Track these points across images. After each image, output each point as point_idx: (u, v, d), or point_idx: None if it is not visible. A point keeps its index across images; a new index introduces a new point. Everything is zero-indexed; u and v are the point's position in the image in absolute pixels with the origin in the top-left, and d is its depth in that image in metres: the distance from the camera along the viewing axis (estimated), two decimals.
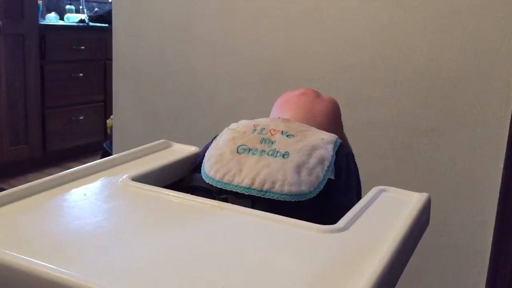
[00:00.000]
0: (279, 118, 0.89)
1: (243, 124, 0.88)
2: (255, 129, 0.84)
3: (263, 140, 0.81)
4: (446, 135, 1.29)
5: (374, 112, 1.37)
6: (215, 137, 0.90)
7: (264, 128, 0.84)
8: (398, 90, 1.33)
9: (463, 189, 1.29)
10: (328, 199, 0.77)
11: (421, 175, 1.33)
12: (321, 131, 0.86)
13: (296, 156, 0.78)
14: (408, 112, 1.33)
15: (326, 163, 0.79)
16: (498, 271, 1.29)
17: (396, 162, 1.35)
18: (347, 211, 0.69)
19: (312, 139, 0.81)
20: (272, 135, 0.82)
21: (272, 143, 0.80)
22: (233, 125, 0.90)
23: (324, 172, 0.78)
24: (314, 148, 0.80)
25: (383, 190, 0.81)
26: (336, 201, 0.77)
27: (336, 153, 0.83)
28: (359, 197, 0.84)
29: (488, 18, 1.22)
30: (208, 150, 0.86)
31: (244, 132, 0.84)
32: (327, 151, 0.81)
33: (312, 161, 0.78)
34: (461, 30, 1.25)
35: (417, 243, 0.73)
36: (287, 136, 0.82)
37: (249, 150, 0.80)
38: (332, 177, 0.80)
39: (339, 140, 0.87)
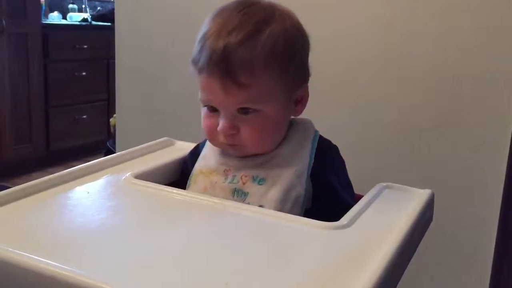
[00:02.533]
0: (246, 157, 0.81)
1: (212, 162, 0.83)
2: (227, 177, 0.79)
3: (235, 193, 0.78)
4: (449, 133, 1.29)
5: (376, 109, 1.36)
6: (198, 145, 0.90)
7: (235, 176, 0.79)
8: (400, 88, 1.33)
9: (466, 186, 1.29)
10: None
11: (424, 172, 1.32)
12: (295, 146, 0.81)
13: (271, 208, 0.74)
14: (411, 109, 1.32)
15: (300, 200, 0.77)
16: (502, 268, 1.29)
17: (399, 159, 1.35)
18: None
19: (285, 176, 0.77)
20: (243, 183, 0.78)
21: (245, 195, 0.77)
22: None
23: (300, 210, 0.77)
24: (288, 191, 0.76)
25: (386, 187, 0.81)
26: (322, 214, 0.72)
27: (316, 163, 0.80)
28: (350, 192, 0.83)
29: (491, 16, 1.21)
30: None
31: (216, 182, 0.80)
32: (301, 186, 0.77)
33: (288, 205, 0.75)
34: (464, 28, 1.24)
35: (421, 239, 0.73)
36: (258, 182, 0.77)
37: None
38: (309, 206, 0.78)
39: (316, 139, 0.82)
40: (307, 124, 0.85)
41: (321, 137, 0.84)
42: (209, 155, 0.84)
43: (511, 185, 1.24)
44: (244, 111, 0.75)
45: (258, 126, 0.76)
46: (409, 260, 0.66)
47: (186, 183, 0.85)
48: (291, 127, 0.83)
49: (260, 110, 0.75)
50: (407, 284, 0.74)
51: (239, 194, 0.78)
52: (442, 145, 1.30)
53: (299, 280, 0.52)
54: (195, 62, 0.77)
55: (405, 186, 0.81)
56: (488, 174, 1.26)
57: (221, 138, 0.77)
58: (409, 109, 1.33)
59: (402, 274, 0.63)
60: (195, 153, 0.89)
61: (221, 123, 0.76)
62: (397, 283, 0.61)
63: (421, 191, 0.79)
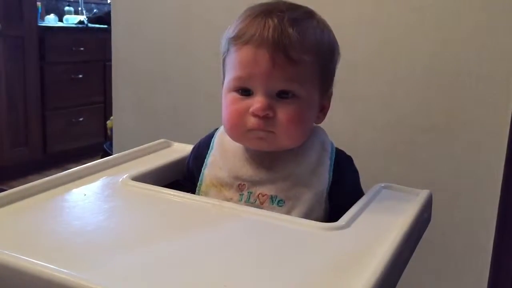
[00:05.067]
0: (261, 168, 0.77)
1: (224, 174, 0.78)
2: (242, 194, 0.75)
3: None
4: (447, 133, 1.29)
5: (374, 110, 1.36)
6: (199, 147, 0.86)
7: (252, 193, 0.75)
8: (398, 88, 1.33)
9: (464, 186, 1.29)
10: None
11: (422, 172, 1.32)
12: (315, 163, 0.77)
13: None
14: (409, 110, 1.32)
15: (320, 221, 0.73)
16: (501, 268, 1.29)
17: (397, 159, 1.35)
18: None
19: (305, 199, 0.74)
20: (261, 203, 0.74)
21: None
22: (221, 133, 0.82)
23: None
24: (307, 215, 0.73)
25: (385, 187, 0.81)
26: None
27: (334, 178, 0.77)
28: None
29: (490, 16, 1.22)
30: None
31: (231, 199, 0.75)
32: (320, 207, 0.75)
33: None
34: (462, 28, 1.24)
35: (419, 240, 0.73)
36: (278, 204, 0.74)
37: None
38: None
39: (333, 153, 0.80)
40: (323, 136, 0.81)
41: (337, 149, 0.81)
42: (219, 162, 0.79)
43: (509, 185, 1.24)
44: (283, 94, 0.72)
45: (295, 112, 0.72)
46: (407, 261, 0.66)
47: (184, 184, 0.85)
48: (311, 134, 0.79)
49: (299, 97, 0.72)
50: (406, 285, 0.74)
51: None
52: (440, 146, 1.30)
53: (298, 281, 0.52)
54: (237, 37, 0.72)
55: (403, 187, 0.81)
56: (486, 174, 1.26)
57: (251, 123, 0.72)
58: (407, 110, 1.33)
59: (400, 274, 0.62)
60: (199, 157, 0.83)
61: (257, 103, 0.71)
62: (396, 283, 0.61)
63: (420, 191, 0.79)
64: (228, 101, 0.75)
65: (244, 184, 0.76)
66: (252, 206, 0.73)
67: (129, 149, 0.92)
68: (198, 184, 0.80)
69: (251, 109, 0.72)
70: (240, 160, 0.77)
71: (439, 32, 1.27)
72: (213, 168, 0.79)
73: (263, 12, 0.72)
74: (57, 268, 0.50)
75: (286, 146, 0.75)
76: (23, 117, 3.10)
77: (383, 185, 0.81)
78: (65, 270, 0.50)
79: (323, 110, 0.80)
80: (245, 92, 0.73)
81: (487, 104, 1.24)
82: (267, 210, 0.72)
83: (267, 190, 0.75)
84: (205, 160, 0.81)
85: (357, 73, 1.37)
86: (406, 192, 0.79)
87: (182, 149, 0.95)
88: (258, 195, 0.75)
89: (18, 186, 0.71)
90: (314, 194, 0.75)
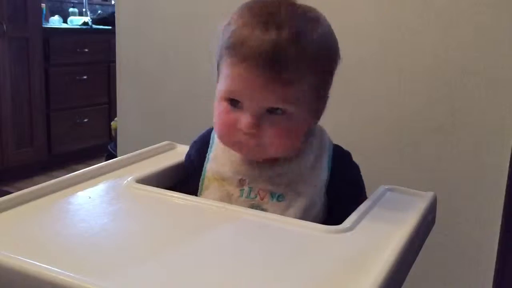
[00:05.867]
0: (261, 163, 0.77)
1: (225, 169, 0.78)
2: (243, 189, 0.76)
3: (253, 208, 0.74)
4: (452, 134, 1.28)
5: (378, 111, 1.36)
6: (203, 141, 0.85)
7: (252, 188, 0.76)
8: (402, 89, 1.33)
9: (469, 187, 1.29)
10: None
11: (426, 174, 1.32)
12: (313, 160, 0.77)
13: None
14: (413, 110, 1.32)
15: (320, 216, 0.76)
16: (505, 269, 1.28)
17: (402, 161, 1.35)
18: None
19: (305, 194, 0.75)
20: (262, 199, 0.75)
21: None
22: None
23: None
24: (308, 210, 0.74)
25: (389, 189, 0.80)
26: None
27: (332, 175, 0.78)
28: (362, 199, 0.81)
29: (494, 15, 1.21)
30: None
31: (232, 195, 0.76)
32: (320, 202, 0.76)
33: None
34: (467, 28, 1.24)
35: (424, 242, 0.72)
36: (277, 199, 0.75)
37: None
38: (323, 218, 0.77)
39: (330, 150, 0.80)
40: (322, 134, 0.82)
41: (334, 145, 0.82)
42: (221, 158, 0.80)
43: None
44: (272, 110, 0.71)
45: (284, 128, 0.72)
46: (412, 263, 0.66)
47: (187, 182, 0.84)
48: (308, 136, 0.79)
49: (290, 113, 0.71)
50: (410, 287, 0.74)
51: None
52: (445, 147, 1.30)
53: (303, 284, 0.51)
54: (232, 49, 0.70)
55: (408, 189, 0.81)
56: (491, 175, 1.26)
57: (239, 136, 0.72)
58: (412, 110, 1.32)
59: (405, 277, 0.62)
60: (201, 150, 0.84)
61: (245, 119, 0.71)
62: (401, 286, 0.61)
63: (424, 193, 0.79)
64: (219, 109, 0.75)
65: (244, 180, 0.77)
66: (252, 202, 0.75)
67: (133, 150, 0.92)
68: (200, 178, 0.80)
69: (238, 125, 0.72)
70: (241, 156, 0.78)
71: (444, 33, 1.26)
72: (215, 163, 0.80)
73: (262, 22, 0.69)
74: (61, 271, 0.50)
75: (276, 156, 0.76)
76: (28, 118, 3.12)
77: (387, 187, 0.81)
78: (70, 273, 0.50)
79: (317, 114, 0.79)
80: (235, 103, 0.72)
81: (492, 105, 1.24)
82: (267, 205, 0.74)
83: (267, 185, 0.76)
84: (207, 155, 0.82)
85: (361, 73, 1.37)
86: (411, 194, 0.79)
87: (186, 151, 0.95)
88: (258, 190, 0.76)
89: (23, 187, 0.71)
90: (313, 189, 0.76)
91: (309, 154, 0.78)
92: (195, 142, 0.88)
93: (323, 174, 0.78)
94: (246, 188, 0.76)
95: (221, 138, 0.77)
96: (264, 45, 0.68)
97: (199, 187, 0.80)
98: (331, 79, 0.79)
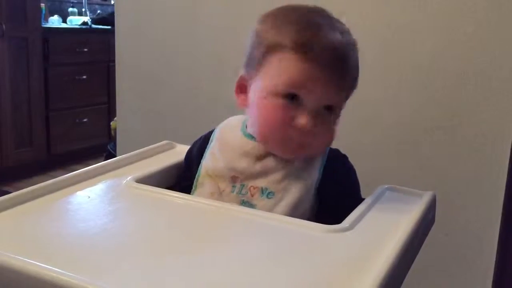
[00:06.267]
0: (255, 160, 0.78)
1: (220, 165, 0.79)
2: (235, 185, 0.77)
3: (243, 204, 0.76)
4: (451, 133, 1.29)
5: (378, 110, 1.36)
6: (209, 135, 0.86)
7: (244, 185, 0.77)
8: (402, 89, 1.33)
9: (468, 187, 1.29)
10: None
11: (426, 173, 1.32)
12: (303, 158, 0.78)
13: None
14: (413, 110, 1.32)
15: (307, 214, 0.76)
16: (505, 268, 1.28)
17: (401, 160, 1.35)
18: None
19: (294, 191, 0.76)
20: (252, 195, 0.76)
21: (253, 207, 0.76)
22: (221, 128, 0.84)
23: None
24: (296, 207, 0.75)
25: (388, 189, 0.81)
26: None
27: (324, 176, 0.79)
28: (358, 198, 0.81)
29: (493, 15, 1.21)
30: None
31: (223, 190, 0.78)
32: (309, 201, 0.77)
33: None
34: (465, 28, 1.24)
35: (423, 241, 0.73)
36: (267, 196, 0.76)
37: None
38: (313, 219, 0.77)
39: (326, 152, 0.81)
40: None
41: (330, 148, 0.82)
42: (217, 155, 0.81)
43: None
44: (328, 108, 0.74)
45: (332, 128, 0.76)
46: (411, 262, 0.66)
47: (184, 178, 0.85)
48: None
49: (336, 113, 0.76)
50: (410, 286, 0.74)
51: (246, 206, 0.76)
52: (445, 146, 1.30)
53: (303, 283, 0.52)
54: (301, 46, 0.71)
55: (407, 188, 0.81)
56: (491, 175, 1.26)
57: (291, 133, 0.73)
58: (411, 110, 1.32)
59: (404, 276, 0.62)
60: (202, 148, 0.85)
61: (306, 119, 0.72)
62: (400, 285, 0.61)
63: (423, 193, 0.79)
64: (270, 106, 0.74)
65: (237, 177, 0.78)
66: (242, 197, 0.76)
67: (133, 149, 0.92)
68: (196, 176, 0.81)
69: (297, 123, 0.72)
70: (237, 153, 0.79)
71: (443, 32, 1.26)
72: (210, 159, 0.81)
73: (327, 24, 0.74)
74: (61, 271, 0.50)
75: (313, 155, 0.78)
76: (27, 118, 3.11)
77: (387, 186, 0.81)
78: (70, 273, 0.50)
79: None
80: (291, 98, 0.72)
81: (491, 104, 1.24)
82: (256, 201, 0.76)
83: (259, 182, 0.77)
84: (204, 153, 0.83)
85: (360, 73, 1.37)
86: (410, 194, 0.79)
87: (185, 151, 0.95)
88: (250, 187, 0.77)
89: (22, 186, 0.71)
90: (303, 186, 0.76)
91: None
92: (197, 140, 0.89)
93: (314, 173, 0.78)
94: (238, 185, 0.78)
95: (270, 133, 0.75)
96: (335, 44, 0.72)
97: (194, 184, 0.81)
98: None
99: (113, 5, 3.39)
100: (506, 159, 1.24)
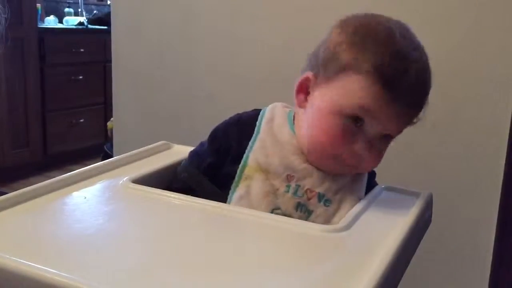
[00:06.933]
0: (312, 166, 0.75)
1: (275, 160, 0.76)
2: (289, 185, 0.74)
3: (299, 207, 0.73)
4: (447, 133, 1.29)
5: None
6: (249, 121, 0.80)
7: (299, 186, 0.74)
8: None
9: (464, 187, 1.29)
10: None
11: (422, 172, 1.32)
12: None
13: None
14: None
15: None
16: (502, 268, 1.28)
17: (397, 160, 1.35)
18: None
19: (347, 204, 0.74)
20: (308, 199, 0.73)
21: (310, 213, 0.73)
22: (267, 120, 0.79)
23: None
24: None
25: (385, 189, 0.81)
26: None
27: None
28: None
29: (489, 15, 1.22)
30: (239, 194, 0.75)
31: (277, 189, 0.74)
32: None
33: None
34: (461, 26, 1.24)
35: (420, 241, 0.73)
36: (325, 203, 0.74)
37: (284, 216, 0.71)
38: None
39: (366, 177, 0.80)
40: None
41: None
42: (269, 149, 0.76)
43: (510, 185, 1.24)
44: (387, 137, 0.73)
45: (383, 153, 0.74)
46: (408, 262, 0.66)
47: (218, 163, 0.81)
48: None
49: (389, 142, 0.75)
50: (407, 286, 0.74)
51: (303, 210, 0.73)
52: (441, 146, 1.30)
53: (300, 283, 0.51)
54: (388, 82, 0.67)
55: (404, 188, 0.81)
56: (486, 174, 1.26)
57: (350, 157, 0.72)
58: None
59: (401, 276, 0.62)
60: (244, 134, 0.79)
61: (365, 145, 0.71)
62: (397, 285, 0.61)
63: (420, 192, 0.79)
64: (333, 122, 0.71)
65: (293, 176, 0.74)
66: (299, 200, 0.73)
67: (129, 150, 0.92)
68: (240, 165, 0.76)
69: (355, 147, 0.71)
70: (293, 151, 0.76)
71: (438, 32, 1.27)
72: (260, 153, 0.76)
73: (410, 55, 0.70)
74: (57, 272, 0.50)
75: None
76: (24, 118, 3.11)
77: (383, 186, 0.81)
78: (65, 274, 0.50)
79: None
80: (355, 120, 0.70)
81: (487, 104, 1.24)
82: (314, 206, 0.73)
83: (316, 186, 0.74)
84: (250, 143, 0.78)
85: None
86: (407, 194, 0.79)
87: (182, 151, 0.95)
88: (307, 190, 0.74)
89: (18, 187, 0.70)
90: (356, 198, 0.75)
91: None
92: (236, 123, 0.82)
93: (363, 186, 0.78)
94: (293, 185, 0.74)
95: (322, 148, 0.73)
96: (419, 84, 0.70)
97: (237, 175, 0.76)
98: None
99: (109, 5, 3.38)
100: (502, 159, 1.24)
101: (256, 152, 0.76)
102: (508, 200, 1.25)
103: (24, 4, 3.03)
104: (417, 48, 0.73)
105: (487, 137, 1.25)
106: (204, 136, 0.93)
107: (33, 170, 3.11)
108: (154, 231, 0.63)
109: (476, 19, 1.23)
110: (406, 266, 0.65)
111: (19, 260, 0.52)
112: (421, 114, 0.74)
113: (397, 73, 0.68)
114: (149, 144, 0.96)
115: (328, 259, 0.57)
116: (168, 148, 0.98)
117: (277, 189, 0.74)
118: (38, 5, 3.38)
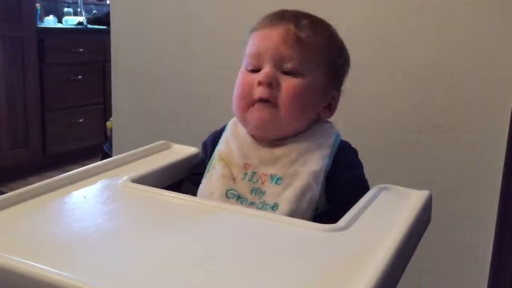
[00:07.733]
0: (266, 149, 0.82)
1: (233, 150, 0.84)
2: (246, 173, 0.80)
3: (253, 191, 0.79)
4: (446, 133, 1.29)
5: (373, 109, 1.36)
6: (220, 132, 0.90)
7: (255, 173, 0.80)
8: (397, 88, 1.33)
9: (464, 185, 1.29)
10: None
11: (421, 172, 1.32)
12: (314, 145, 0.81)
13: (286, 207, 0.75)
14: (408, 109, 1.32)
15: (314, 201, 0.77)
16: (501, 268, 1.29)
17: (396, 160, 1.35)
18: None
19: (302, 177, 0.77)
20: (262, 183, 0.79)
21: (263, 194, 0.78)
22: (235, 118, 0.88)
23: (312, 212, 0.77)
24: (304, 192, 0.76)
25: (384, 188, 0.81)
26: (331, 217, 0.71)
27: (333, 164, 0.81)
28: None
29: (488, 14, 1.22)
30: (204, 181, 0.83)
31: (235, 177, 0.81)
32: (317, 187, 0.78)
33: (303, 205, 0.76)
34: (461, 27, 1.24)
35: (419, 241, 0.73)
36: (276, 182, 0.78)
37: (239, 197, 0.79)
38: (324, 208, 0.79)
39: (337, 142, 0.84)
40: (328, 125, 0.87)
41: (341, 140, 0.85)
42: (231, 141, 0.85)
43: (509, 185, 1.24)
44: (289, 71, 0.79)
45: (298, 88, 0.79)
46: (407, 262, 0.66)
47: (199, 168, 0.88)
48: (313, 125, 0.85)
49: (303, 76, 0.79)
50: (406, 285, 0.74)
51: (257, 193, 0.79)
52: (440, 146, 1.30)
53: (298, 282, 0.51)
54: (257, 25, 0.84)
55: (403, 188, 0.81)
56: (486, 174, 1.26)
57: (258, 92, 0.79)
58: (406, 109, 1.33)
59: (400, 275, 0.62)
60: (216, 139, 0.89)
61: (263, 73, 0.79)
62: (396, 284, 0.61)
63: (419, 192, 0.79)
64: (238, 78, 0.83)
65: (249, 164, 0.81)
66: (253, 185, 0.79)
67: (129, 149, 0.92)
68: (209, 161, 0.85)
69: (257, 79, 0.79)
70: (249, 142, 0.83)
71: (438, 32, 1.27)
72: (224, 145, 0.85)
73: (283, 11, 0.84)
74: (57, 271, 0.50)
75: (286, 125, 0.81)
76: (23, 118, 3.10)
77: (382, 186, 0.81)
78: (65, 273, 0.50)
79: (329, 106, 0.87)
80: (255, 70, 0.80)
81: (487, 104, 1.24)
82: (266, 187, 0.79)
83: (269, 170, 0.80)
84: (218, 141, 0.88)
85: (356, 72, 1.37)
86: (406, 193, 0.79)
87: (181, 151, 0.95)
88: (261, 175, 0.80)
89: (17, 187, 0.71)
90: (312, 172, 0.78)
91: (313, 140, 0.82)
92: (213, 132, 0.94)
93: (323, 162, 0.80)
94: (249, 172, 0.81)
95: (239, 101, 0.83)
96: (284, 16, 0.84)
97: (207, 169, 0.84)
98: (343, 74, 0.91)
99: (108, 5, 3.38)
100: (501, 159, 1.24)
101: (221, 145, 0.86)
102: (508, 200, 1.25)
103: (23, 4, 3.03)
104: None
105: (487, 137, 1.25)
106: (203, 135, 0.93)
107: (32, 170, 3.11)
108: (154, 230, 0.63)
109: (476, 19, 1.23)
110: (405, 266, 0.65)
111: (18, 259, 0.52)
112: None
113: (263, 20, 0.86)
114: (149, 144, 0.96)
115: (327, 259, 0.57)
116: (168, 147, 0.98)
117: (235, 177, 0.81)
118: (38, 5, 3.38)
